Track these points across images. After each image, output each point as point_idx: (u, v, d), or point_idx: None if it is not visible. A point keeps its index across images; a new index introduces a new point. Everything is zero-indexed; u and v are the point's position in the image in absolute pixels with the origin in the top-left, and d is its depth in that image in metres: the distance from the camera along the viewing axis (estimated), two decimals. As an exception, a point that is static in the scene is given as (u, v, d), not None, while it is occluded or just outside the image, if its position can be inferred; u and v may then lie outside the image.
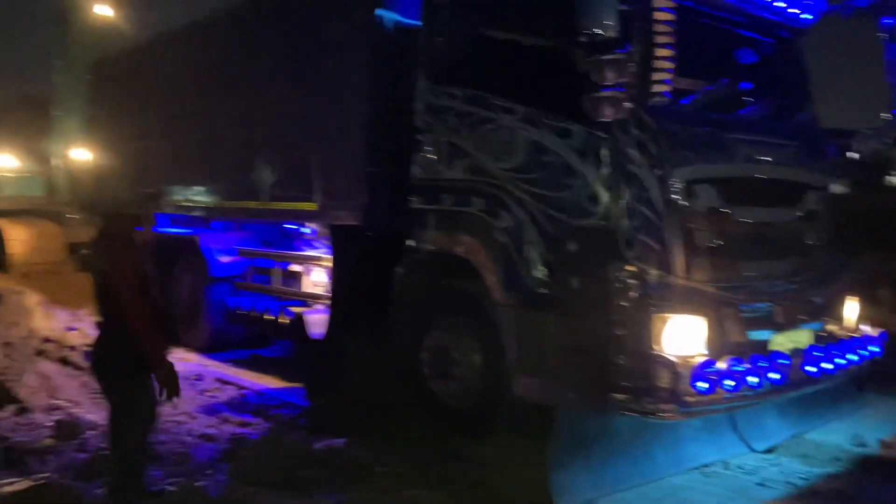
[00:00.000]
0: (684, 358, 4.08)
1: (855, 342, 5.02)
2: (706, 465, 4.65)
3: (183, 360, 7.55)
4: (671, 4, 3.99)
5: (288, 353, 8.13)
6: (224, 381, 6.79)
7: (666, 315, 4.15)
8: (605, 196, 4.33)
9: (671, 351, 4.12)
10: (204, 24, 8.10)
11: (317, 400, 5.92)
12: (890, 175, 5.68)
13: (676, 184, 4.29)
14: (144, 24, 13.86)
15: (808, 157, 5.20)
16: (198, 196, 7.96)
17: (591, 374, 4.26)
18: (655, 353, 4.11)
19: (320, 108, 6.28)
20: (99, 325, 3.82)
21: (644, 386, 4.12)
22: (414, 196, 5.45)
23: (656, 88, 4.05)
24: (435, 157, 5.17)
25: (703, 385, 4.06)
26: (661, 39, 3.99)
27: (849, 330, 5.22)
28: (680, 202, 4.31)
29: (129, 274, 3.60)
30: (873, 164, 5.65)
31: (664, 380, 4.08)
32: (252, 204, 7.19)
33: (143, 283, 3.67)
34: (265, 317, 7.02)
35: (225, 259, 7.89)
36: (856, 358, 5.00)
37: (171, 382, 3.61)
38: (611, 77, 4.02)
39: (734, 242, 4.57)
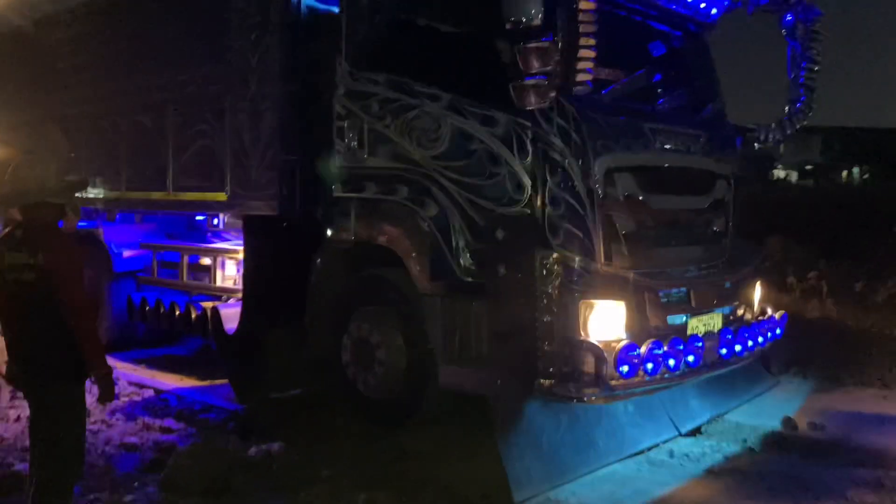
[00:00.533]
0: (608, 343, 4.17)
1: (762, 324, 5.25)
2: (649, 450, 4.73)
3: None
4: (594, -6, 4.04)
5: (197, 351, 7.82)
6: (139, 385, 6.42)
7: (590, 301, 4.23)
8: (529, 184, 4.36)
9: (595, 336, 4.20)
10: (103, 2, 7.66)
11: (242, 400, 5.71)
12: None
13: (598, 172, 4.36)
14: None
15: (718, 147, 5.39)
16: (99, 186, 7.53)
17: (518, 361, 4.29)
18: (580, 338, 4.18)
19: (231, 92, 6.04)
20: (16, 326, 3.35)
21: (569, 371, 4.19)
22: (333, 185, 5.33)
23: (580, 77, 4.10)
24: (357, 145, 5.06)
25: (625, 368, 4.15)
26: (584, 29, 4.04)
27: (757, 313, 5.46)
28: (602, 190, 4.38)
29: (71, 267, 3.27)
30: (775, 157, 5.95)
31: (589, 364, 4.16)
32: (158, 195, 6.87)
33: (83, 278, 3.39)
34: (174, 312, 6.71)
35: (128, 253, 7.51)
36: (762, 340, 5.24)
37: (110, 385, 3.31)
38: (535, 65, 4.03)
39: (652, 229, 4.71)
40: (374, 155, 4.96)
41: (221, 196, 6.16)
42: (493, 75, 4.34)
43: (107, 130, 7.45)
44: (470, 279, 4.54)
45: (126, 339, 7.74)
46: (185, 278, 6.90)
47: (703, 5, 5.46)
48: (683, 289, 4.80)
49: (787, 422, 5.21)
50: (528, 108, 4.16)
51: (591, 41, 4.07)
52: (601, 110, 4.51)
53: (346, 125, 5.07)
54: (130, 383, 6.44)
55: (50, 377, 3.27)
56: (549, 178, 4.32)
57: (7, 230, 3.42)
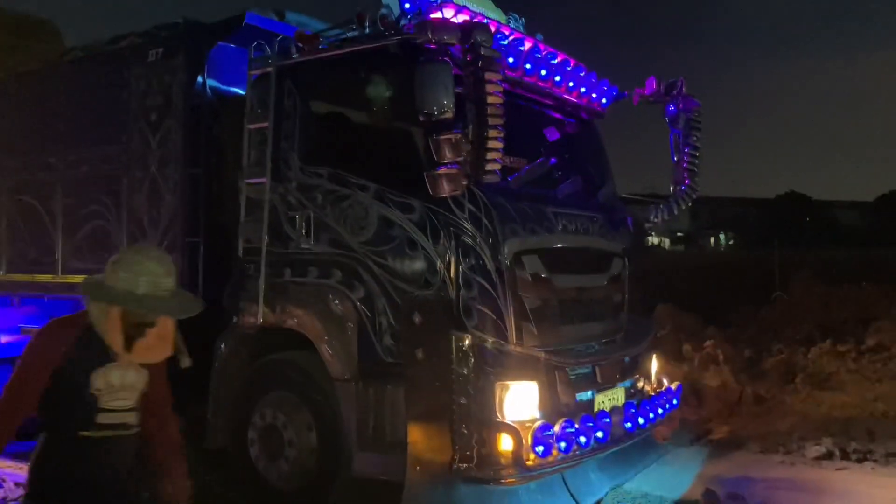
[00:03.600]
0: (523, 423, 4.26)
1: (661, 396, 5.50)
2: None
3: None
4: (501, 88, 4.25)
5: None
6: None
7: (505, 382, 4.32)
8: (442, 267, 4.47)
9: (511, 417, 4.27)
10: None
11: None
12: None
13: (508, 255, 4.52)
14: None
15: (613, 227, 5.70)
16: (-25, 268, 7.05)
17: (435, 444, 4.30)
18: (497, 420, 4.25)
19: (129, 173, 5.89)
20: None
21: (486, 453, 4.23)
22: (239, 268, 5.25)
23: (489, 167, 4.27)
24: (304, 233, 5.01)
25: (541, 448, 4.24)
26: (493, 121, 4.23)
27: (655, 385, 5.72)
28: (511, 272, 4.54)
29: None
30: (656, 231, 6.36)
31: (505, 445, 4.22)
32: (44, 277, 6.52)
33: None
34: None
35: (6, 339, 7.01)
36: (661, 411, 5.48)
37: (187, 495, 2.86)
38: (447, 155, 4.19)
39: (558, 308, 4.89)
40: (317, 241, 4.94)
41: (117, 279, 5.91)
42: (411, 165, 4.48)
43: (-14, 209, 7.04)
44: (387, 362, 4.56)
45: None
46: (73, 366, 6.48)
47: (594, 95, 5.83)
48: (589, 365, 4.99)
49: (708, 493, 5.29)
50: (441, 195, 4.30)
51: (500, 132, 4.26)
52: (508, 196, 4.70)
53: (296, 214, 5.03)
54: (17, 484, 5.94)
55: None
56: (461, 261, 4.45)
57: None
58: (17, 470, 6.27)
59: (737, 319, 12.03)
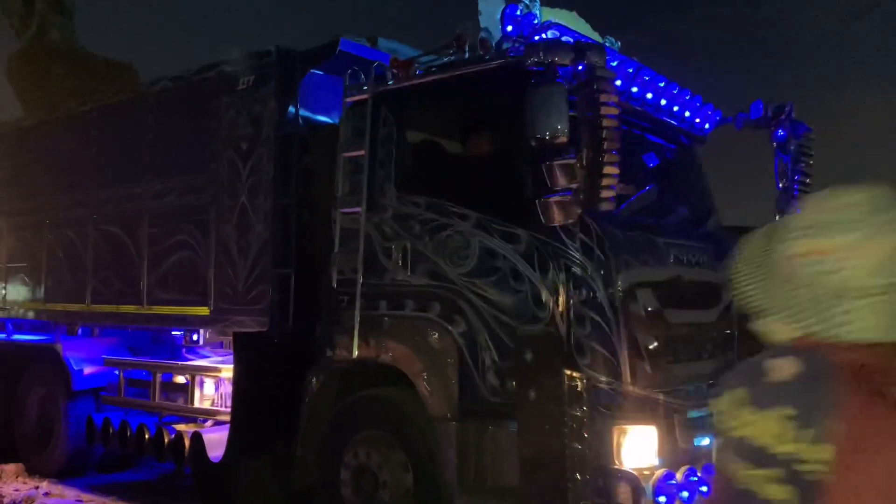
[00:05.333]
0: (643, 471, 3.95)
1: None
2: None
3: (50, 494, 6.52)
4: (617, 111, 4.02)
5: (162, 477, 7.22)
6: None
7: (622, 426, 4.02)
8: (552, 301, 4.21)
9: (630, 464, 3.97)
10: (74, 110, 7.43)
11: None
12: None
13: (622, 288, 4.25)
14: None
15: (720, 258, 5.36)
16: (60, 298, 7.07)
17: (546, 492, 4.01)
18: (615, 467, 3.94)
19: (217, 203, 5.80)
20: None
21: (603, 503, 3.93)
22: (332, 300, 5.08)
23: (604, 194, 4.02)
24: (400, 263, 4.81)
25: (663, 499, 3.92)
26: (608, 146, 3.99)
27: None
28: (625, 307, 4.25)
29: None
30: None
31: (625, 495, 3.92)
32: (129, 308, 6.47)
33: None
34: (142, 436, 6.19)
35: (89, 370, 6.98)
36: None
37: None
38: (561, 182, 3.96)
39: (672, 345, 4.57)
40: (414, 272, 4.73)
41: (203, 310, 5.82)
42: (516, 193, 4.27)
43: (72, 240, 7.06)
44: (491, 401, 4.30)
45: (81, 464, 7.14)
46: (156, 398, 6.40)
47: (697, 120, 5.55)
48: (706, 408, 4.64)
49: None
50: (553, 224, 4.06)
51: (615, 158, 4.01)
52: (620, 226, 4.44)
53: (392, 245, 4.84)
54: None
55: None
56: (572, 294, 4.18)
57: None
58: (89, 501, 6.19)
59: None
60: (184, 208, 6.08)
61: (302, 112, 5.48)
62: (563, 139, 3.96)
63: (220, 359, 6.20)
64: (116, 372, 6.82)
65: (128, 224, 6.53)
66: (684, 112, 5.40)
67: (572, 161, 3.95)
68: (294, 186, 5.44)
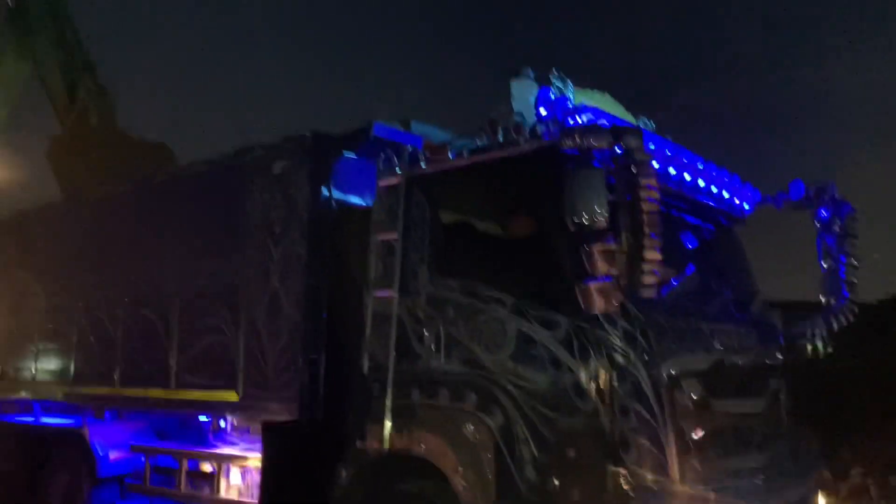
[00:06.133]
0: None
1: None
2: None
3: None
4: (657, 195, 3.92)
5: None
6: None
7: (672, 527, 3.76)
8: (594, 392, 4.02)
9: (681, 568, 3.69)
10: (108, 195, 7.53)
11: None
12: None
13: (667, 378, 4.05)
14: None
15: (768, 344, 5.16)
16: (89, 380, 7.00)
17: None
18: (665, 571, 3.67)
19: (248, 286, 5.75)
20: None
21: None
22: (363, 387, 4.92)
23: (646, 280, 3.88)
24: (434, 349, 4.67)
25: None
26: (649, 229, 3.88)
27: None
28: (671, 398, 4.05)
29: None
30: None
31: None
32: (157, 392, 6.37)
33: None
34: (168, 526, 6.00)
35: (115, 455, 6.85)
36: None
37: None
38: (602, 268, 3.83)
39: (723, 437, 4.34)
40: (448, 359, 4.59)
41: (232, 396, 5.70)
42: (554, 277, 4.14)
43: (102, 322, 7.04)
44: (537, 499, 4.06)
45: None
46: (182, 487, 6.22)
47: (736, 200, 5.43)
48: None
49: None
50: (594, 311, 3.91)
51: (657, 242, 3.89)
52: (662, 311, 4.27)
53: (425, 330, 4.71)
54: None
55: None
56: (615, 385, 3.99)
57: None
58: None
59: (871, 437, 10.87)
60: (215, 291, 6.03)
61: (335, 195, 5.46)
62: (603, 223, 3.86)
63: (247, 446, 6.03)
64: (142, 458, 6.68)
65: (158, 306, 6.50)
66: (723, 192, 5.28)
67: (613, 246, 3.83)
68: (326, 269, 5.37)
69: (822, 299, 5.64)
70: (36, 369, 7.79)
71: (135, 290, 6.76)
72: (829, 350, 5.64)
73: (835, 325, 5.47)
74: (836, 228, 5.47)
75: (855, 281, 5.46)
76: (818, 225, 5.57)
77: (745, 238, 5.90)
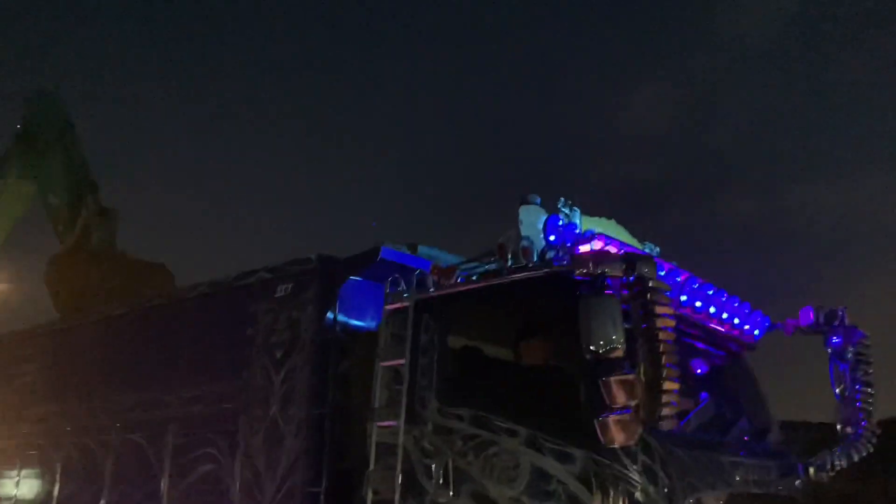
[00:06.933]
0: None
1: None
2: None
3: None
4: (673, 323, 3.86)
5: None
6: None
7: None
8: (615, 532, 3.80)
9: None
10: (104, 317, 7.42)
11: None
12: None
13: (689, 516, 3.85)
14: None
15: (786, 476, 4.96)
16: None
17: None
18: None
19: (246, 412, 5.55)
20: None
21: None
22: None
23: (666, 411, 3.76)
24: (442, 482, 4.45)
25: None
26: (667, 360, 3.79)
27: None
28: (694, 536, 3.83)
29: None
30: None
31: None
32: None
33: None
34: None
35: None
36: None
37: None
38: (620, 399, 3.70)
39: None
40: (457, 494, 4.36)
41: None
42: (569, 408, 4.00)
43: (91, 449, 6.77)
44: None
45: None
46: None
47: (746, 326, 5.37)
48: None
49: None
50: (614, 444, 3.75)
51: (675, 372, 3.79)
52: (681, 444, 4.11)
53: (433, 463, 4.51)
54: None
55: None
56: (637, 525, 3.78)
57: None
58: None
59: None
60: (211, 417, 5.83)
61: (340, 318, 5.37)
62: (620, 352, 3.77)
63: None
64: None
65: (152, 432, 6.26)
66: (733, 319, 5.22)
67: (631, 377, 3.73)
68: (330, 396, 5.20)
69: (839, 427, 5.48)
70: (17, 498, 7.42)
71: (127, 416, 6.53)
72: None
73: (854, 456, 5.28)
74: (849, 355, 5.39)
75: (871, 408, 5.32)
76: (829, 351, 5.48)
77: (757, 363, 5.82)
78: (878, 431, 5.32)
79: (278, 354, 5.45)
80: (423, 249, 5.70)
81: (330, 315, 5.32)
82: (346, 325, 5.40)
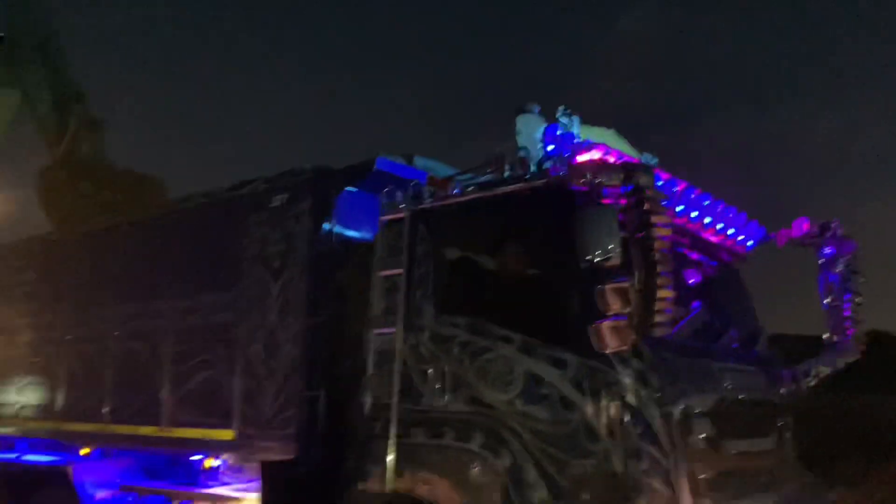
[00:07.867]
0: None
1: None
2: None
3: None
4: (669, 232, 3.88)
5: None
6: None
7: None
8: (605, 433, 3.92)
9: None
10: (100, 229, 7.41)
11: None
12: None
13: (680, 418, 3.97)
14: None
15: (774, 382, 5.11)
16: (77, 417, 6.80)
17: None
18: None
19: (245, 322, 5.62)
20: None
21: None
22: (365, 426, 4.80)
23: (659, 318, 3.83)
24: (439, 388, 4.55)
25: None
26: (662, 268, 3.83)
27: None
28: (682, 439, 3.97)
29: None
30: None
31: None
32: (148, 429, 6.19)
33: None
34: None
35: (102, 494, 6.63)
36: None
37: None
38: (615, 306, 3.76)
39: (735, 478, 4.26)
40: (453, 398, 4.47)
41: (227, 434, 5.55)
42: (563, 316, 4.06)
43: (92, 356, 6.87)
44: None
45: None
46: (174, 529, 6.02)
47: (741, 237, 5.41)
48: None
49: None
50: (607, 350, 3.83)
51: (669, 280, 3.85)
52: (672, 350, 4.21)
53: (429, 368, 4.60)
54: None
55: None
56: (627, 426, 3.90)
57: None
58: None
59: (860, 476, 10.72)
60: (210, 327, 5.90)
61: (336, 229, 5.38)
62: (616, 261, 3.79)
63: (241, 486, 5.86)
64: (131, 500, 6.47)
65: (151, 341, 6.34)
66: (728, 229, 5.26)
67: (625, 285, 3.77)
68: (326, 305, 5.26)
69: (827, 337, 5.60)
70: (20, 404, 7.58)
71: (127, 325, 6.61)
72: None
73: (840, 365, 5.42)
74: (840, 266, 5.45)
75: (860, 318, 5.43)
76: (820, 262, 5.55)
77: (748, 274, 5.89)
78: (865, 340, 5.43)
79: (275, 265, 5.47)
80: (419, 161, 5.67)
81: (326, 226, 5.33)
82: (342, 237, 5.41)
